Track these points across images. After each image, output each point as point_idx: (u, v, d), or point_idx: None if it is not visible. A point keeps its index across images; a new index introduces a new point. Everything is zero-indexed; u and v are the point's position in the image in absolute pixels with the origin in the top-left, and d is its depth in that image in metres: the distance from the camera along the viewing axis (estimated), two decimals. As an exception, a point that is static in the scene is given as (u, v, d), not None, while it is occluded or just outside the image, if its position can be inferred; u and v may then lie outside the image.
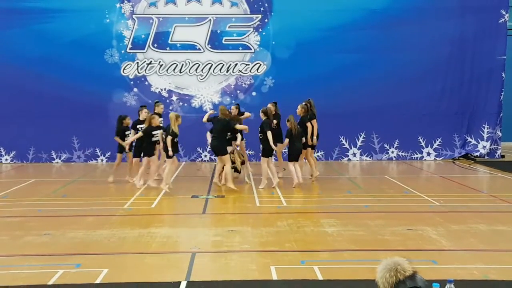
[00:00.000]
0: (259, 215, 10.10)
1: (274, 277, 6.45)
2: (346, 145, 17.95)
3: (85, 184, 13.57)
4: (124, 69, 17.48)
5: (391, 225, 8.97)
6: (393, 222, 9.18)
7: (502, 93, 17.95)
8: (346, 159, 17.93)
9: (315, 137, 13.25)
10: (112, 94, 17.40)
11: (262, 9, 17.50)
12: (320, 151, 17.90)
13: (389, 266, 4.07)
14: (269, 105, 13.19)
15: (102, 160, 17.60)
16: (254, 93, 17.68)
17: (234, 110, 13.67)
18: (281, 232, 8.61)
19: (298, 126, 12.81)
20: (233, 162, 12.69)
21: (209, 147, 14.60)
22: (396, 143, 17.95)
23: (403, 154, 18.01)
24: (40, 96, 17.10)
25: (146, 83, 17.59)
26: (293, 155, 12.68)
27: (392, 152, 17.99)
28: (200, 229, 8.86)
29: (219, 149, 12.25)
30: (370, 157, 17.94)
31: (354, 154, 17.95)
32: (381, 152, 17.99)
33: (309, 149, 13.37)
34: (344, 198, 11.51)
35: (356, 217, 9.60)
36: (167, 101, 17.51)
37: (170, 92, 17.63)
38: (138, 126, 13.02)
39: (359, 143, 17.92)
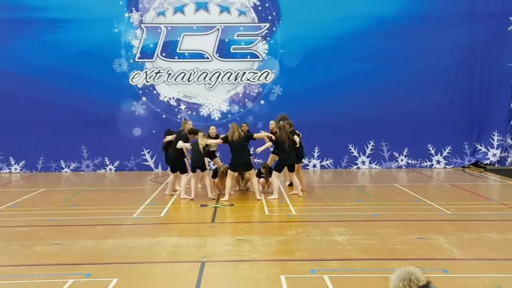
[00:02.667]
0: (269, 224, 10.07)
1: (284, 286, 6.41)
2: (355, 153, 17.89)
3: (94, 194, 13.60)
4: (132, 78, 17.54)
5: (401, 233, 8.91)
6: (404, 230, 9.12)
7: (512, 101, 17.90)
8: (355, 167, 17.87)
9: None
10: (120, 103, 17.46)
11: (270, 17, 17.53)
12: (329, 160, 17.87)
13: (402, 276, 4.03)
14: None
15: (110, 169, 17.63)
16: (262, 102, 17.68)
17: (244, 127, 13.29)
18: (290, 241, 8.58)
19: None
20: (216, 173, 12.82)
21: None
22: (406, 151, 17.88)
23: (413, 162, 17.92)
24: (49, 106, 17.19)
25: (155, 92, 17.64)
26: (279, 166, 12.29)
27: (402, 160, 17.91)
28: (209, 238, 8.83)
29: (248, 164, 12.21)
30: (379, 165, 17.88)
31: (363, 162, 17.89)
32: (391, 160, 17.91)
33: (299, 163, 12.89)
34: (354, 207, 11.44)
35: (366, 225, 9.54)
36: (176, 109, 17.57)
37: (178, 100, 17.66)
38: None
39: (368, 151, 17.87)
